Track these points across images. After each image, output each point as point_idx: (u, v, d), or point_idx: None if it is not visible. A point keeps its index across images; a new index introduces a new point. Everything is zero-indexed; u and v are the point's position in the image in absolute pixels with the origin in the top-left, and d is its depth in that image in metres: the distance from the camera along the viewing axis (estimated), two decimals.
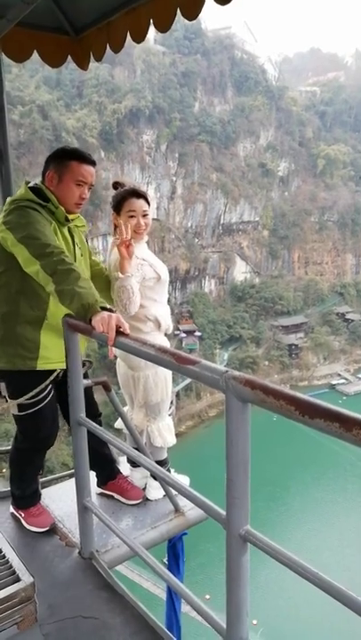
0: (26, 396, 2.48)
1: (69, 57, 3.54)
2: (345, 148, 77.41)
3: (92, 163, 2.60)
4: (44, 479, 3.13)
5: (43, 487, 3.10)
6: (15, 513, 2.86)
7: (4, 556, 2.55)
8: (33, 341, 2.47)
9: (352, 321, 67.19)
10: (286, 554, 1.39)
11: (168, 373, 2.89)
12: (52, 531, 2.75)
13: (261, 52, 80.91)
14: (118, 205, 2.78)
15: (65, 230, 2.59)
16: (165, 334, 2.91)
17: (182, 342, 57.59)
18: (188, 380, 53.61)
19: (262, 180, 70.36)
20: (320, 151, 75.06)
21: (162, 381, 2.85)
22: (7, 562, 2.50)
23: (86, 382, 2.31)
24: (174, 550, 2.91)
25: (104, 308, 2.09)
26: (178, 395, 51.76)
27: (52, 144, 50.32)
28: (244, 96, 71.23)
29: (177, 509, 2.84)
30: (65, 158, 2.55)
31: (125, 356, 2.82)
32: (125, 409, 3.06)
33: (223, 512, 1.54)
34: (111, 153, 57.21)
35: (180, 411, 51.56)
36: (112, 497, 3.00)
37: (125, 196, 2.78)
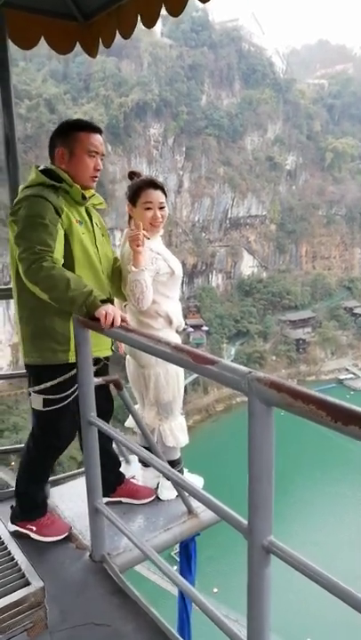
0: (57, 392, 2.41)
1: (78, 44, 3.43)
2: (353, 141, 76.69)
3: (100, 131, 2.53)
4: (53, 477, 3.06)
5: (52, 486, 3.02)
6: (22, 530, 2.60)
7: (12, 559, 2.49)
8: (63, 334, 2.35)
9: (360, 315, 66.76)
10: (312, 567, 1.30)
11: (180, 371, 2.79)
12: None
13: (269, 45, 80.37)
14: (134, 196, 2.68)
15: (82, 210, 2.50)
16: (177, 331, 2.82)
17: (190, 337, 57.49)
18: (195, 375, 53.65)
19: (270, 173, 69.89)
20: (328, 144, 74.45)
21: (173, 379, 2.76)
22: (16, 564, 2.43)
23: (97, 380, 2.22)
24: (187, 551, 2.83)
25: (104, 301, 2.11)
26: (185, 389, 51.49)
27: None
28: (252, 89, 70.66)
29: (190, 511, 2.75)
30: (72, 131, 2.45)
31: (135, 352, 2.72)
32: (135, 407, 2.98)
33: (245, 521, 1.45)
34: (118, 147, 56.99)
35: (187, 405, 51.47)
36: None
37: (142, 187, 2.68)
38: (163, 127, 60.64)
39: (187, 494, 2.76)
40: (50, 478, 2.92)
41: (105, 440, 2.49)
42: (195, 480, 2.99)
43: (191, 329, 57.87)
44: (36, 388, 2.42)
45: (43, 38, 3.26)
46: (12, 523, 2.63)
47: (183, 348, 1.57)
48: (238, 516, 1.51)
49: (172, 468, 2.81)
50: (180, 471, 2.93)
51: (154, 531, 2.66)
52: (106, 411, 2.58)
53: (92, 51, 3.45)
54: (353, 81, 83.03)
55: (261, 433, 1.33)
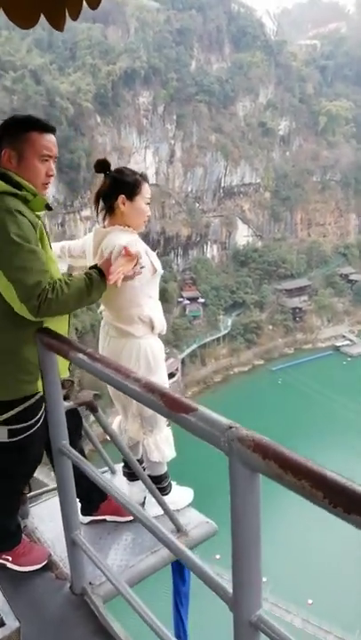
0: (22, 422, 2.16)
1: (42, 16, 3.08)
2: (347, 103, 74.93)
3: (53, 130, 2.20)
4: (32, 494, 2.86)
5: (31, 503, 2.83)
6: None
7: None
8: (34, 362, 2.03)
9: (356, 282, 66.46)
10: None
11: (165, 380, 2.62)
12: None
13: (259, 5, 77.86)
14: (135, 189, 2.46)
15: (40, 223, 2.14)
16: (159, 335, 2.60)
17: (186, 309, 57.33)
18: (193, 347, 53.71)
19: (263, 139, 68.53)
20: (321, 108, 72.81)
21: None
22: None
23: (68, 404, 2.01)
24: (179, 570, 2.67)
25: (98, 271, 2.12)
26: (183, 361, 51.82)
27: (46, 109, 48.89)
28: (242, 52, 68.69)
29: (179, 529, 2.57)
30: (21, 130, 2.11)
31: (118, 359, 2.46)
32: (117, 419, 2.78)
33: (230, 590, 1.25)
34: (107, 117, 55.62)
35: (185, 377, 51.73)
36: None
37: (142, 181, 2.49)
38: (152, 95, 59.12)
39: (174, 510, 2.58)
40: (28, 494, 2.73)
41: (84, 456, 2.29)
42: (183, 493, 2.82)
43: (187, 301, 57.68)
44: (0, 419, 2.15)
45: (1, 10, 2.91)
46: None
47: (155, 388, 1.34)
48: (224, 583, 1.30)
49: (159, 483, 2.65)
50: (168, 485, 2.74)
51: (140, 554, 2.49)
52: (75, 429, 2.36)
53: (58, 23, 3.10)
54: (346, 40, 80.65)
55: (244, 501, 1.12)
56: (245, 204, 66.70)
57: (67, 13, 3.17)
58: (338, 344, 61.43)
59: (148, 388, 1.36)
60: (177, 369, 49.43)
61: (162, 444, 2.62)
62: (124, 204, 2.43)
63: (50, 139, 2.16)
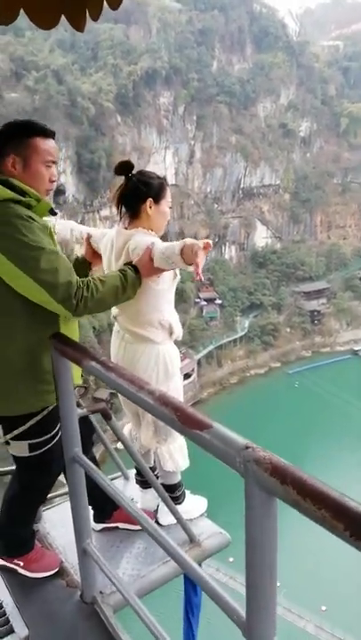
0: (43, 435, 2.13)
1: (63, 17, 3.06)
2: None
3: (54, 135, 2.18)
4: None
5: (43, 507, 2.81)
6: (8, 564, 2.37)
7: None
8: (50, 371, 1.98)
9: None
10: None
11: (180, 387, 2.56)
12: None
13: (281, 5, 77.33)
14: (161, 193, 2.45)
15: (50, 227, 2.12)
16: (175, 342, 2.56)
17: (203, 310, 57.23)
18: (209, 348, 53.58)
19: (283, 141, 68.14)
20: (343, 109, 72.10)
21: (177, 396, 2.45)
22: (1, 607, 2.23)
23: (81, 412, 1.97)
24: (191, 580, 2.61)
25: (133, 268, 2.19)
26: (199, 362, 51.74)
27: (67, 109, 49.25)
28: (264, 53, 68.34)
29: (192, 540, 2.51)
30: (25, 136, 2.07)
31: (132, 366, 2.43)
32: (128, 427, 2.74)
33: (243, 614, 1.20)
34: (128, 117, 55.78)
35: (201, 378, 51.64)
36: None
37: (166, 185, 2.49)
38: (173, 95, 59.13)
39: (187, 520, 2.53)
40: None
41: (96, 464, 2.32)
42: (197, 502, 2.77)
43: (204, 302, 57.58)
44: (16, 432, 2.09)
45: (22, 11, 2.89)
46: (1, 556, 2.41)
47: (170, 401, 1.30)
48: (237, 606, 1.26)
49: (173, 492, 2.60)
50: (182, 494, 2.69)
51: (152, 563, 2.43)
52: (87, 436, 2.32)
53: (78, 24, 3.08)
54: None
55: (261, 526, 1.07)
56: (265, 206, 66.36)
57: (87, 14, 3.15)
58: (356, 348, 60.68)
59: (161, 401, 1.31)
60: (193, 370, 49.37)
61: (176, 453, 2.56)
62: (150, 207, 2.41)
63: (52, 144, 2.15)
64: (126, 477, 3.04)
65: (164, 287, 2.39)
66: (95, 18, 3.03)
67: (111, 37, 57.83)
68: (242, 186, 64.45)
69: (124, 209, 2.46)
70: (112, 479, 3.03)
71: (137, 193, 2.40)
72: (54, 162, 2.16)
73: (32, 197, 2.02)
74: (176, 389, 2.51)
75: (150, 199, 2.40)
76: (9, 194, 1.94)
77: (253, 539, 1.09)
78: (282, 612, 24.80)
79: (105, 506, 2.57)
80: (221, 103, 62.66)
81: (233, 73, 65.72)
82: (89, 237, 2.62)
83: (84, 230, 2.69)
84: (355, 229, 71.91)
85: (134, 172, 2.42)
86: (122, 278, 2.13)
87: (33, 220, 1.95)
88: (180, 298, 51.30)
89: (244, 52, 68.84)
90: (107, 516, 2.64)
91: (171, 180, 57.03)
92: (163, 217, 2.46)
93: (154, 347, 2.43)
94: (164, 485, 2.51)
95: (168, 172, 56.43)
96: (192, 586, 2.57)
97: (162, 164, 56.44)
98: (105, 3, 2.88)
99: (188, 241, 2.11)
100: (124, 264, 2.27)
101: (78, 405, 1.99)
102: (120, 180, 2.43)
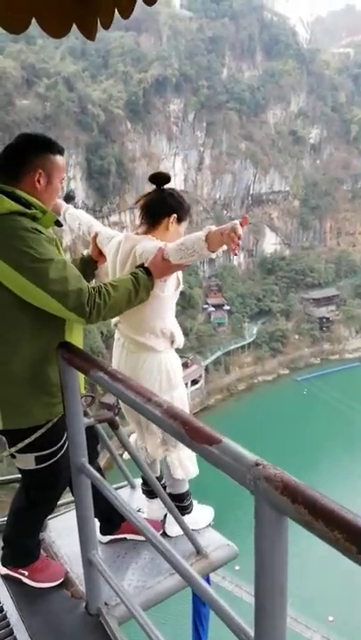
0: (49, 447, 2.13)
1: (74, 26, 3.06)
2: None
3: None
4: None
5: (49, 517, 2.78)
6: (13, 574, 2.36)
7: (2, 609, 2.26)
8: (57, 384, 1.96)
9: None
10: None
11: (184, 397, 2.56)
12: None
13: (293, 13, 77.33)
14: (186, 216, 2.48)
15: (56, 238, 2.13)
16: (183, 347, 2.57)
17: (211, 316, 57.16)
18: (217, 354, 53.45)
19: (293, 148, 68.13)
20: (353, 116, 71.95)
21: (182, 405, 2.50)
22: (5, 617, 2.21)
23: (88, 421, 1.95)
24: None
25: (144, 270, 2.19)
26: (207, 369, 51.62)
27: (77, 116, 49.60)
28: (274, 60, 68.50)
29: (199, 551, 2.48)
30: (50, 152, 2.11)
31: (136, 373, 2.41)
32: (133, 436, 2.69)
33: (252, 634, 1.17)
34: (137, 124, 56.08)
35: (208, 384, 51.48)
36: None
37: (190, 212, 2.55)
38: (183, 103, 59.37)
39: (193, 530, 2.50)
40: None
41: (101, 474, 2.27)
42: (204, 512, 2.74)
43: (212, 308, 57.52)
44: (21, 445, 2.07)
45: (34, 20, 2.90)
46: (3, 565, 2.39)
47: (178, 414, 1.27)
48: (244, 624, 1.23)
49: (181, 502, 2.58)
50: (190, 504, 2.66)
51: (158, 575, 2.40)
52: (93, 446, 2.33)
53: (90, 32, 3.08)
54: None
55: (271, 545, 1.04)
56: (274, 212, 66.31)
57: (99, 23, 3.16)
58: None
59: (169, 414, 1.29)
60: (200, 376, 49.26)
61: (186, 460, 2.53)
62: (172, 222, 2.44)
63: (64, 162, 2.21)
64: (133, 486, 3.01)
65: (168, 294, 2.38)
66: (106, 26, 3.04)
67: (122, 45, 58.28)
68: (251, 192, 64.50)
69: (144, 216, 2.47)
70: (118, 488, 3.00)
71: (166, 205, 2.42)
72: (63, 178, 2.23)
73: (38, 209, 2.02)
74: (180, 398, 2.48)
75: (175, 215, 2.43)
76: (15, 206, 1.94)
77: (263, 558, 1.06)
78: (288, 622, 24.44)
79: (111, 517, 2.55)
80: (231, 110, 62.81)
81: (243, 80, 65.88)
82: (96, 236, 2.62)
83: (93, 227, 2.70)
84: None
85: (167, 186, 2.46)
86: (134, 281, 2.13)
87: (39, 232, 1.95)
88: (188, 304, 51.28)
89: (255, 60, 69.05)
90: (114, 527, 2.61)
91: (180, 186, 57.16)
92: (178, 237, 2.43)
93: (156, 355, 2.42)
94: (171, 495, 2.49)
95: (177, 179, 56.61)
96: (201, 603, 2.56)
97: (171, 170, 56.56)
98: (116, 11, 2.89)
99: (213, 228, 2.13)
100: (136, 267, 2.25)
101: (85, 415, 1.97)
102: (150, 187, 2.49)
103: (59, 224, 2.18)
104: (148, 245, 2.31)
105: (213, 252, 2.12)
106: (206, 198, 61.14)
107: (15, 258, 1.88)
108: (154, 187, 2.46)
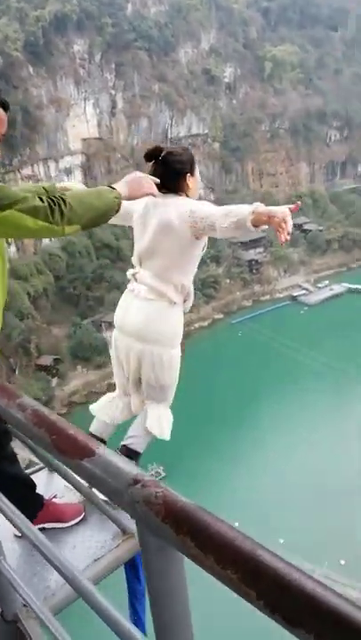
0: None
1: None
2: (292, 47, 73.24)
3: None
4: None
5: None
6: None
7: None
8: None
9: (310, 231, 66.64)
10: None
11: (179, 359, 2.62)
12: None
13: None
14: (194, 164, 2.57)
15: None
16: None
17: None
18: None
19: (208, 88, 66.40)
20: (266, 52, 71.00)
21: (177, 363, 2.60)
22: None
23: None
24: (133, 569, 2.34)
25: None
26: None
27: None
28: None
29: (125, 531, 2.13)
30: None
31: (147, 320, 2.46)
32: (108, 396, 2.72)
33: None
34: (40, 67, 52.18)
35: None
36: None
37: (192, 153, 2.64)
38: (87, 43, 55.81)
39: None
40: None
41: (7, 464, 2.23)
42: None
43: None
44: None
45: None
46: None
47: (45, 420, 1.00)
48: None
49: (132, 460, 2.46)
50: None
51: (81, 563, 2.04)
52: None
53: None
54: None
55: (162, 580, 0.83)
56: (195, 156, 64.77)
57: None
58: (295, 294, 62.15)
59: (35, 420, 1.01)
60: None
61: (164, 419, 2.58)
62: (189, 179, 2.52)
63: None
64: (51, 469, 2.62)
65: (199, 253, 2.53)
66: None
67: None
68: (169, 136, 62.56)
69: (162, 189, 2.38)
70: (32, 473, 2.63)
71: (175, 173, 2.48)
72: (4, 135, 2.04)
73: None
74: (175, 359, 2.56)
75: (189, 174, 2.52)
76: None
77: (156, 596, 0.86)
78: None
79: (27, 509, 2.02)
80: (140, 49, 59.93)
81: (149, 16, 62.75)
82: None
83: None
84: (286, 176, 72.15)
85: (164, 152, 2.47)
86: (110, 198, 2.00)
87: None
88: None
89: None
90: (31, 518, 2.11)
91: (94, 132, 54.36)
92: (198, 183, 2.60)
93: (169, 307, 2.48)
94: (127, 449, 2.45)
95: (90, 125, 53.80)
96: (135, 576, 2.41)
97: (82, 116, 53.65)
98: None
99: (262, 206, 2.18)
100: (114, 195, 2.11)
101: None
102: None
103: None
104: (194, 203, 2.45)
105: (256, 227, 2.19)
106: (123, 145, 58.62)
107: None
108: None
